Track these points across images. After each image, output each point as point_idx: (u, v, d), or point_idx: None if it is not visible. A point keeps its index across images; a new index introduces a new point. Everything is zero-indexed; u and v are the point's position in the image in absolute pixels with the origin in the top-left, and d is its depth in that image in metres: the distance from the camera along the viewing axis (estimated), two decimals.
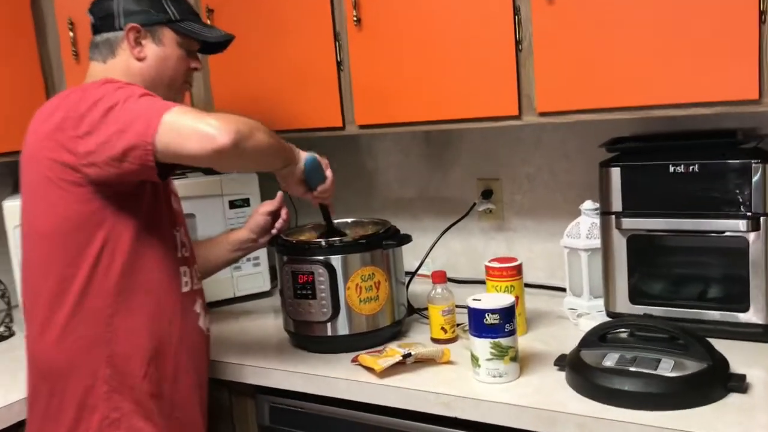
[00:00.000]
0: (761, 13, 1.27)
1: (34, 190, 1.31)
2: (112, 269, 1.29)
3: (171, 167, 1.28)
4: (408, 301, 1.70)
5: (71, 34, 1.94)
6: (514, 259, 1.59)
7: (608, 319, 1.56)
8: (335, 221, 1.67)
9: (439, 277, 1.58)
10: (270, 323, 1.82)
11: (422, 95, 1.65)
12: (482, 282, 1.98)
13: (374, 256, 1.56)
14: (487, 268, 1.59)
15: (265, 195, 1.93)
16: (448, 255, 2.05)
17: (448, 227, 1.91)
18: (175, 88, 1.46)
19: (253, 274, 2.04)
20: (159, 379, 1.33)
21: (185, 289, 1.39)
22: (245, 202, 2.02)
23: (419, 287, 1.85)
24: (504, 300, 1.35)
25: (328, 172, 1.51)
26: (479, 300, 1.37)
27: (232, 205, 2.01)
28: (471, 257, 2.06)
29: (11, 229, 1.84)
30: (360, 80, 1.73)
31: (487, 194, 1.98)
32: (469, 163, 2.02)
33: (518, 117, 1.56)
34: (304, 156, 1.44)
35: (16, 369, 1.72)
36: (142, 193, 1.31)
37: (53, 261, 1.30)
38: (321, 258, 1.53)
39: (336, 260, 1.53)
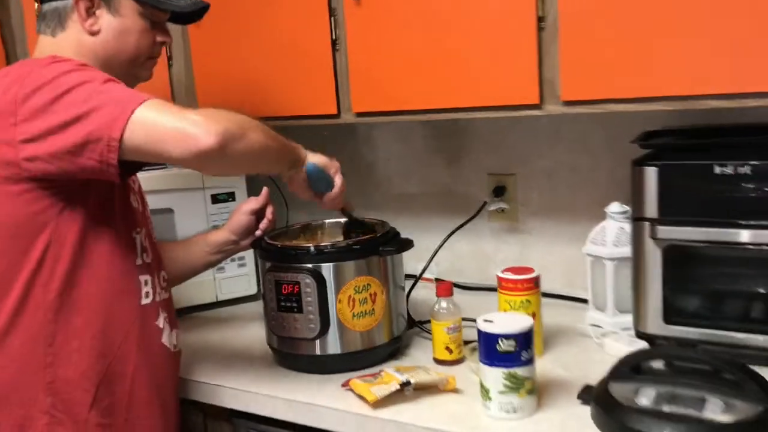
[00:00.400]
0: None
1: None
2: (53, 281, 1.09)
3: (136, 166, 1.08)
4: (408, 313, 1.50)
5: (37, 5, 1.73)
6: (530, 270, 1.39)
7: (637, 339, 1.36)
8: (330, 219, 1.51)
9: (444, 290, 1.38)
10: (254, 334, 1.62)
11: (428, 80, 1.44)
12: (492, 289, 1.77)
13: (370, 263, 1.36)
14: (500, 279, 1.38)
15: (253, 189, 1.72)
16: (454, 258, 1.85)
17: (456, 229, 1.71)
18: (138, 64, 1.24)
19: (238, 276, 1.84)
20: (111, 407, 1.14)
21: (145, 302, 1.19)
22: (230, 197, 1.82)
23: (421, 293, 1.65)
24: (521, 322, 1.15)
25: (338, 179, 1.33)
26: (491, 321, 1.16)
27: (215, 199, 1.81)
28: (480, 261, 1.86)
29: None
30: (358, 62, 1.52)
31: (499, 191, 1.78)
32: (479, 156, 1.82)
33: (539, 106, 1.35)
34: (306, 161, 1.27)
35: None
36: (90, 190, 1.11)
37: None
38: (309, 266, 1.33)
39: (326, 269, 1.33)
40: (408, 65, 1.46)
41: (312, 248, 1.35)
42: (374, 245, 1.37)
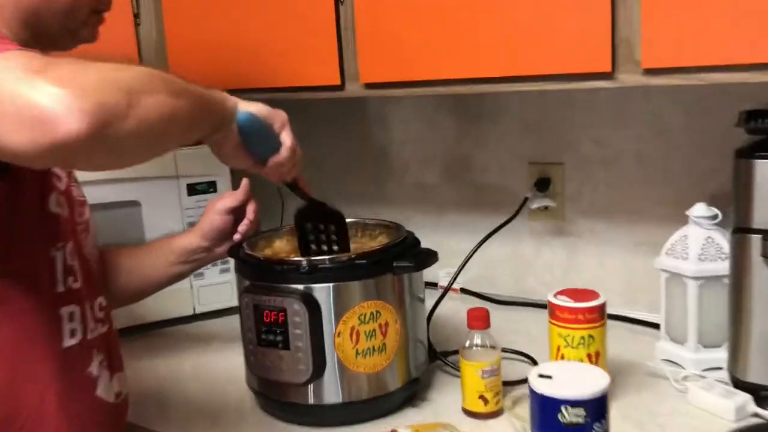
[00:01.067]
0: None
1: None
2: None
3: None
4: (429, 341, 1.17)
5: None
6: (593, 294, 1.05)
7: (735, 390, 1.02)
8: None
9: (479, 321, 1.04)
10: (238, 361, 1.29)
11: (455, 43, 1.09)
12: (530, 305, 1.46)
13: (381, 284, 1.02)
14: (553, 307, 1.04)
15: (238, 178, 1.38)
16: (485, 263, 1.51)
17: (492, 232, 1.37)
18: (76, 19, 0.90)
19: (220, 284, 1.51)
20: None
21: (70, 343, 0.86)
22: (210, 187, 1.49)
23: (445, 306, 1.31)
24: (594, 383, 0.81)
25: (285, 136, 0.96)
26: (549, 378, 0.82)
27: (193, 190, 1.47)
28: (516, 268, 1.52)
29: None
30: (367, 18, 1.18)
31: (542, 184, 1.43)
32: (518, 140, 1.47)
33: (610, 75, 0.99)
34: (239, 110, 0.90)
35: None
36: None
37: None
38: (298, 288, 0.99)
39: (322, 292, 0.99)
40: (433, 22, 1.11)
41: (304, 263, 1.01)
42: (387, 259, 1.03)
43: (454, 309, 1.36)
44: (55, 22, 0.88)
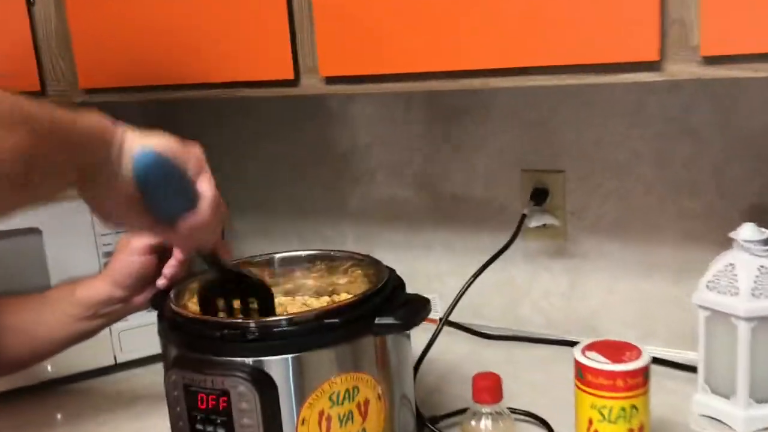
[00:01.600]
0: None
1: None
2: None
3: None
4: (416, 406, 0.91)
5: None
6: (632, 349, 0.81)
7: None
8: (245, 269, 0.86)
9: (487, 393, 0.78)
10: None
11: (435, 28, 0.83)
12: (524, 339, 1.22)
13: (358, 350, 0.76)
14: (583, 368, 0.80)
15: None
16: (470, 289, 1.26)
17: (488, 263, 1.13)
18: None
19: (147, 326, 1.21)
20: None
21: None
22: None
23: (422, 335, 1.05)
24: None
25: (204, 184, 0.69)
26: None
27: None
28: (507, 295, 1.27)
29: None
30: None
31: (539, 196, 1.19)
32: (507, 142, 1.22)
33: (657, 65, 0.75)
34: (133, 150, 0.62)
35: None
36: None
37: None
38: (246, 362, 0.72)
39: (278, 366, 0.73)
40: (407, 4, 0.85)
41: (252, 325, 0.74)
42: (365, 315, 0.77)
43: (437, 347, 1.10)
44: None
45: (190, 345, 0.76)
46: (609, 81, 0.78)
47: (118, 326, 1.19)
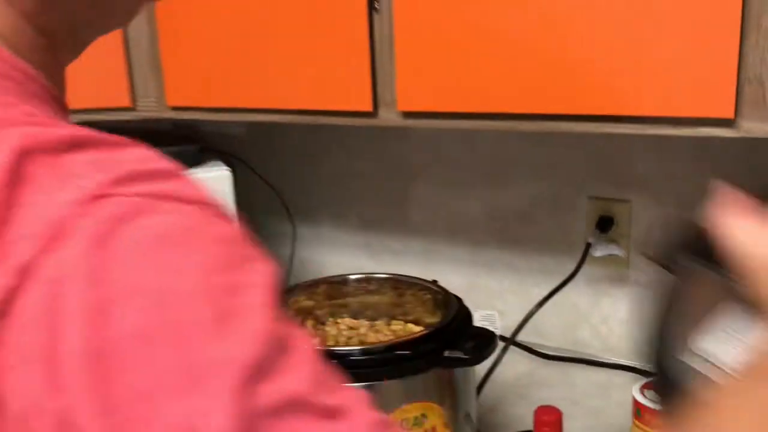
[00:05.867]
0: None
1: None
2: None
3: None
4: (477, 429, 0.96)
5: None
6: None
7: None
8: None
9: (548, 428, 0.83)
10: None
11: (523, 67, 0.86)
12: (583, 362, 1.25)
13: (427, 380, 0.81)
14: (641, 408, 0.83)
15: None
16: (529, 307, 1.29)
17: (551, 293, 1.16)
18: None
19: None
20: None
21: None
22: None
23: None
24: None
25: None
26: None
27: None
28: (567, 318, 1.30)
29: None
30: (409, 33, 0.94)
31: (604, 224, 1.21)
32: (574, 168, 1.25)
33: (731, 122, 0.77)
34: None
35: None
36: None
37: None
38: None
39: None
40: (486, 44, 0.88)
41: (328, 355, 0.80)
42: (435, 348, 0.82)
43: (503, 370, 1.15)
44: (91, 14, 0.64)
45: None
46: (686, 134, 0.80)
47: None
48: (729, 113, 0.76)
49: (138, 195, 0.36)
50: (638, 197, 1.19)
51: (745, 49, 0.74)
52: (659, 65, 0.78)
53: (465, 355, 0.81)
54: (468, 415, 0.90)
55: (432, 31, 0.92)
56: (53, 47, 0.52)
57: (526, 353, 1.30)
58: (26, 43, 0.50)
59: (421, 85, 0.95)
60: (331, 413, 0.34)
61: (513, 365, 1.26)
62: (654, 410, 0.82)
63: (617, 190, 1.21)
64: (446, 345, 0.81)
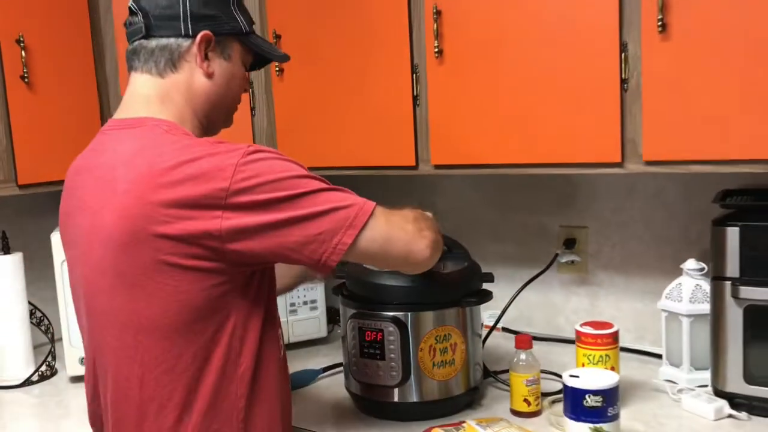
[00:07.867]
0: None
1: (139, 273, 1.04)
2: (243, 360, 1.08)
3: None
4: (482, 362, 1.52)
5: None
6: (609, 325, 1.40)
7: (715, 397, 1.36)
8: None
9: (524, 342, 1.40)
10: (326, 378, 1.66)
11: (508, 136, 1.48)
12: (560, 340, 1.81)
13: (450, 314, 1.39)
14: (579, 333, 1.40)
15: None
16: (522, 307, 1.87)
17: (528, 281, 1.73)
18: (233, 110, 1.25)
19: (310, 319, 1.88)
20: None
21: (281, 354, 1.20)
22: None
23: (491, 341, 1.68)
24: (608, 379, 1.17)
25: None
26: (577, 377, 1.18)
27: None
28: (548, 312, 1.88)
29: (59, 264, 1.72)
30: (437, 117, 1.58)
31: (570, 243, 1.80)
32: (550, 208, 1.85)
33: (620, 164, 1.38)
34: None
35: (59, 416, 1.60)
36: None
37: (178, 359, 1.06)
38: (391, 314, 1.37)
39: (407, 318, 1.36)
40: (488, 121, 1.50)
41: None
42: (456, 294, 1.40)
43: (498, 344, 1.72)
44: (223, 113, 1.22)
45: (361, 306, 1.41)
46: (596, 173, 1.40)
47: (291, 318, 1.86)
48: (617, 158, 1.37)
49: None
50: (593, 224, 1.79)
51: (624, 123, 1.36)
52: (579, 138, 1.40)
53: (473, 298, 1.40)
54: (476, 347, 1.46)
55: (455, 115, 1.55)
56: (203, 129, 1.18)
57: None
58: (192, 126, 1.16)
59: (447, 148, 1.57)
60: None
61: (510, 346, 1.81)
62: (587, 334, 1.38)
63: (579, 220, 1.80)
64: (464, 294, 1.40)
